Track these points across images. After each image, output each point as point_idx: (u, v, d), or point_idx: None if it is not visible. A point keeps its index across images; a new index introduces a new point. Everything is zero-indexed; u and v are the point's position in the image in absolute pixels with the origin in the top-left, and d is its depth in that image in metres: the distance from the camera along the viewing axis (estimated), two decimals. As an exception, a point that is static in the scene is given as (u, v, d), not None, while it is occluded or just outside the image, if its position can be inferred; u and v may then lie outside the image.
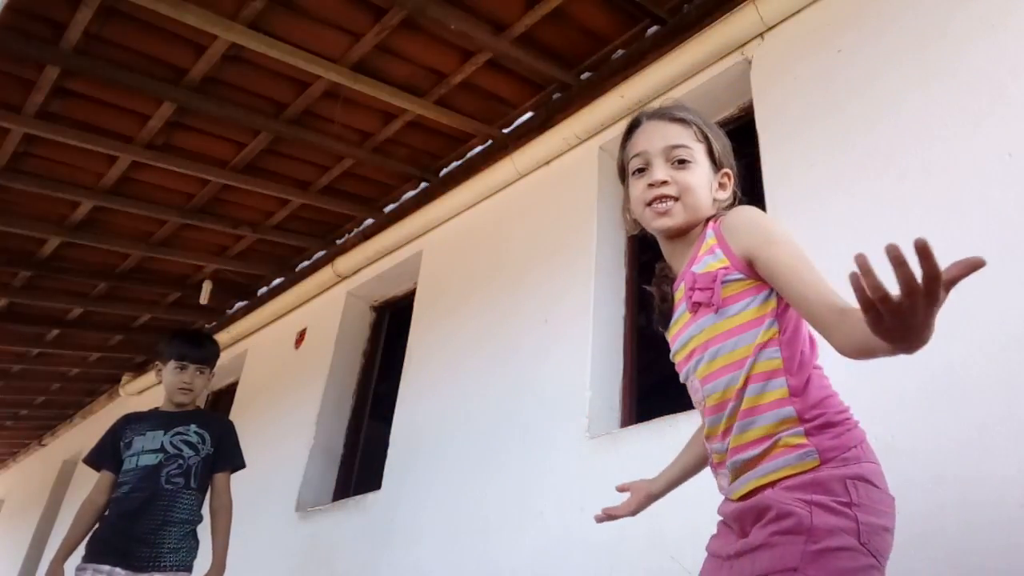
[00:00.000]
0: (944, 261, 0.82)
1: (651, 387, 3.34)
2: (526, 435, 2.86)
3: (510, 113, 3.57)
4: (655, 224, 1.29)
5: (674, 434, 2.36)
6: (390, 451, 3.50)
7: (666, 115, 1.35)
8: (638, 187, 1.30)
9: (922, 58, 2.19)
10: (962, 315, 1.82)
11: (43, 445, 8.74)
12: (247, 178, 3.95)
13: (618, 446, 2.51)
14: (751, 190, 2.55)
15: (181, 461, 2.55)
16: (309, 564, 3.60)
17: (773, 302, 1.18)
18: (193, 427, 2.63)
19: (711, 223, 1.27)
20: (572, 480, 2.59)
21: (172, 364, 2.70)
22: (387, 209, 4.33)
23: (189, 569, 2.52)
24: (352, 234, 4.55)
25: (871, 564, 1.04)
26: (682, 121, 1.32)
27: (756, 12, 2.63)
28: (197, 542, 2.58)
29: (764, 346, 1.17)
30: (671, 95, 2.96)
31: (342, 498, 3.83)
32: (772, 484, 1.12)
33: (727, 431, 1.19)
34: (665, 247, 1.35)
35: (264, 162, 3.88)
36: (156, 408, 2.77)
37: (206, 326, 5.92)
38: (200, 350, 2.78)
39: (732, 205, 1.33)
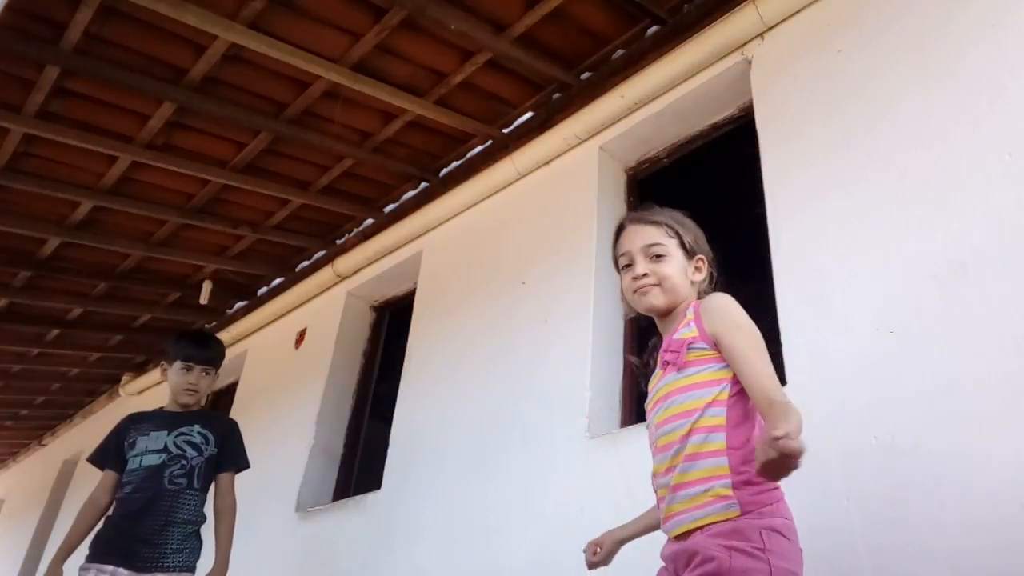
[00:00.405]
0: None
1: (651, 387, 3.33)
2: (526, 435, 2.86)
3: (510, 113, 3.57)
4: (642, 305, 1.59)
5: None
6: (390, 451, 3.50)
7: (643, 219, 1.65)
8: (626, 280, 1.63)
9: (922, 58, 2.19)
10: (962, 315, 1.82)
11: (43, 445, 8.74)
12: (247, 178, 3.95)
13: (618, 446, 2.51)
14: (751, 190, 2.56)
15: (184, 461, 2.55)
16: (309, 564, 3.60)
17: (729, 372, 1.42)
18: (197, 427, 2.63)
19: (693, 303, 1.54)
20: (572, 480, 2.59)
21: (178, 365, 2.69)
22: (387, 209, 4.33)
23: (192, 570, 2.52)
24: (352, 234, 4.55)
25: None
26: (655, 223, 1.62)
27: (756, 12, 2.63)
28: (200, 542, 2.57)
29: (711, 404, 1.40)
30: (671, 95, 2.97)
31: (342, 498, 3.83)
32: (701, 528, 1.34)
33: (670, 469, 1.42)
34: (658, 324, 1.63)
35: (264, 162, 3.88)
36: (160, 408, 2.77)
37: (206, 326, 5.92)
38: (206, 351, 2.76)
39: (711, 282, 1.60)
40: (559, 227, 3.20)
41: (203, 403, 2.87)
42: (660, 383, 1.51)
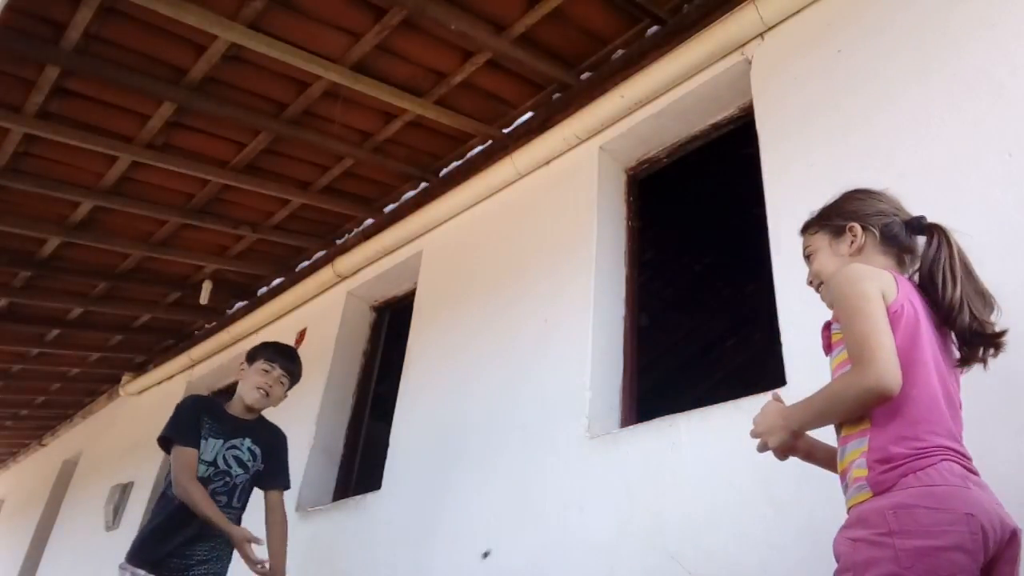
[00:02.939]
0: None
1: (651, 387, 3.34)
2: (526, 435, 2.86)
3: (510, 113, 3.57)
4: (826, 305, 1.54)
5: (674, 434, 2.37)
6: (390, 451, 3.50)
7: (801, 232, 1.65)
8: None
9: (921, 58, 2.19)
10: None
11: (43, 445, 8.74)
12: (247, 178, 3.95)
13: (618, 446, 2.51)
14: (751, 190, 2.56)
15: (228, 479, 2.53)
16: (309, 564, 3.60)
17: None
18: (248, 442, 2.59)
19: None
20: (572, 480, 2.59)
21: (260, 363, 2.65)
22: (387, 209, 4.33)
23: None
24: (352, 234, 4.55)
25: None
26: (805, 229, 1.62)
27: (756, 12, 2.64)
28: (228, 553, 2.54)
29: None
30: (671, 95, 2.97)
31: (342, 498, 3.83)
32: (847, 514, 1.28)
33: (837, 455, 1.38)
34: None
35: (264, 162, 3.88)
36: (224, 404, 2.69)
37: (206, 326, 5.92)
38: (292, 363, 2.73)
39: (886, 236, 1.49)
40: (559, 227, 3.20)
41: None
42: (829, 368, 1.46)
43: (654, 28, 3.08)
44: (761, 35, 2.69)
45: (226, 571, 2.56)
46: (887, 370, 1.22)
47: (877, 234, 1.48)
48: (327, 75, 3.18)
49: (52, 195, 3.99)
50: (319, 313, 4.65)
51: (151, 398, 6.42)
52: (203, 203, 4.21)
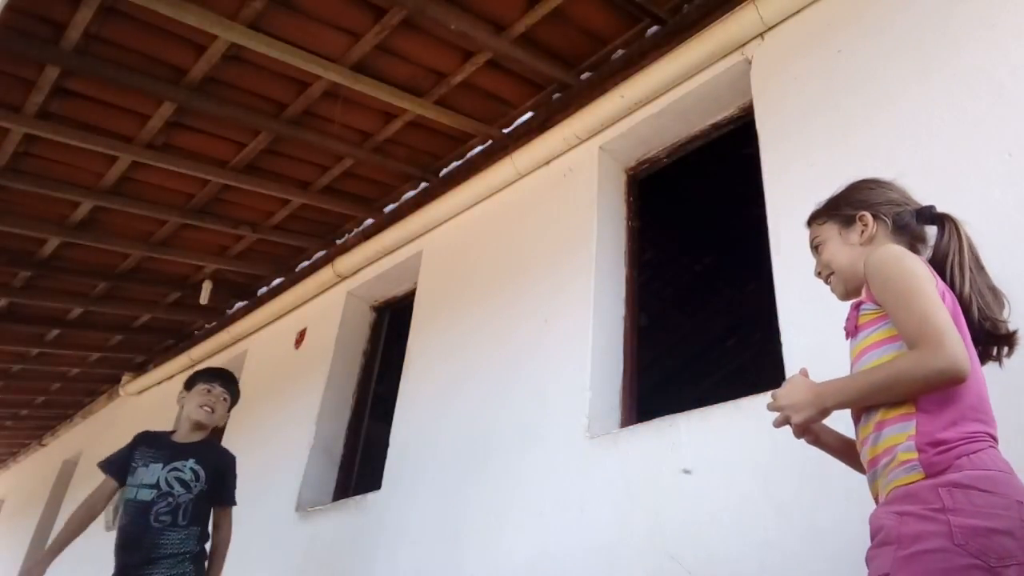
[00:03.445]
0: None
1: (651, 387, 3.34)
2: (526, 435, 2.86)
3: (510, 113, 3.57)
4: (839, 298, 1.55)
5: (674, 434, 2.37)
6: (390, 451, 3.50)
7: (808, 223, 1.62)
8: None
9: (922, 58, 2.19)
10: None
11: (43, 445, 8.74)
12: (247, 178, 3.95)
13: (618, 446, 2.51)
14: (751, 190, 2.56)
15: (171, 499, 2.60)
16: (309, 564, 3.60)
17: None
18: (191, 463, 2.66)
19: None
20: (572, 480, 2.59)
21: (200, 386, 2.77)
22: (387, 209, 4.33)
23: None
24: (352, 234, 4.55)
25: (971, 564, 1.10)
26: (813, 220, 1.60)
27: (756, 12, 2.63)
28: (190, 569, 2.61)
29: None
30: (671, 95, 2.97)
31: (342, 498, 3.83)
32: (887, 495, 1.24)
33: (865, 440, 1.33)
34: None
35: (264, 162, 3.88)
36: (171, 433, 2.81)
37: (206, 326, 5.92)
38: (229, 383, 2.85)
39: (897, 224, 1.47)
40: (559, 227, 3.20)
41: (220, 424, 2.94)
42: (849, 349, 1.43)
43: (654, 28, 3.08)
44: (761, 35, 2.69)
45: None
46: (960, 352, 1.18)
47: (889, 223, 1.46)
48: (327, 75, 3.18)
49: (52, 195, 4.00)
50: (319, 313, 4.65)
51: (151, 398, 6.42)
52: (203, 203, 4.21)
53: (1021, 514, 1.15)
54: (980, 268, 1.41)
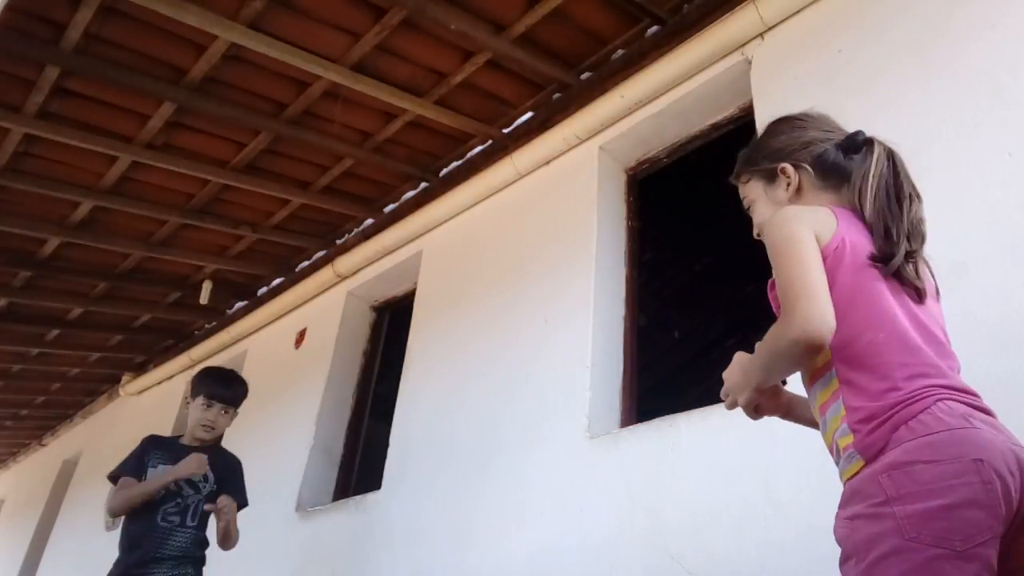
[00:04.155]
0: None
1: (651, 387, 3.34)
2: (526, 435, 2.86)
3: (510, 113, 3.57)
4: None
5: (674, 434, 2.36)
6: (390, 451, 3.50)
7: (732, 180, 1.45)
8: None
9: (922, 58, 2.19)
10: (963, 315, 1.82)
11: (43, 445, 8.74)
12: (247, 178, 3.95)
13: (618, 446, 2.51)
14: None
15: (180, 499, 2.60)
16: (309, 564, 3.60)
17: None
18: None
19: None
20: (572, 480, 2.59)
21: (200, 400, 2.76)
22: (387, 209, 4.33)
23: None
24: (352, 234, 4.55)
25: (933, 556, 0.95)
26: (736, 177, 1.44)
27: (756, 12, 2.63)
28: (192, 571, 2.61)
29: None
30: (671, 95, 2.97)
31: (342, 498, 3.83)
32: (842, 494, 1.10)
33: (823, 429, 1.19)
34: None
35: (264, 162, 3.88)
36: (178, 438, 2.85)
37: (206, 326, 5.92)
38: (228, 391, 2.82)
39: (823, 166, 1.31)
40: (559, 227, 3.20)
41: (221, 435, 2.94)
42: None
43: (654, 28, 3.08)
44: (761, 35, 2.69)
45: None
46: (811, 316, 1.05)
47: (810, 170, 1.31)
48: (327, 75, 3.18)
49: (52, 195, 3.99)
50: (319, 313, 4.65)
51: (151, 398, 6.42)
52: (203, 203, 4.21)
53: (982, 475, 0.97)
54: (899, 197, 1.23)
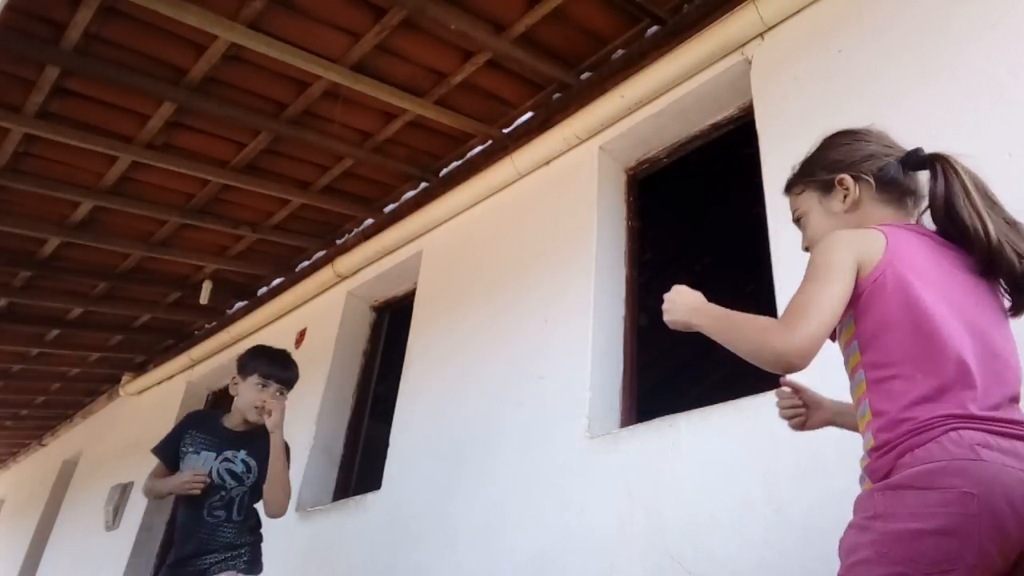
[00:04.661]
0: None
1: (651, 387, 3.34)
2: (526, 435, 2.86)
3: (510, 113, 3.57)
4: None
5: (674, 434, 2.36)
6: (390, 451, 3.50)
7: (784, 192, 1.45)
8: None
9: (922, 58, 2.19)
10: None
11: (43, 445, 8.74)
12: (247, 178, 3.95)
13: (618, 446, 2.51)
14: (751, 190, 2.56)
15: (224, 493, 2.47)
16: (309, 564, 3.60)
17: (853, 326, 1.19)
18: (242, 454, 2.51)
19: None
20: (572, 480, 2.59)
21: (254, 379, 2.53)
22: (387, 209, 4.33)
23: (235, 568, 2.45)
24: (352, 234, 4.55)
25: (897, 572, 1.00)
26: (789, 189, 1.43)
27: (756, 12, 2.63)
28: (248, 550, 2.50)
29: (855, 369, 1.19)
30: (671, 95, 2.97)
31: (342, 498, 3.83)
32: None
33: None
34: None
35: (264, 162, 3.88)
36: (220, 418, 2.63)
37: (206, 326, 5.92)
38: (286, 372, 2.61)
39: (883, 180, 1.29)
40: (559, 227, 3.20)
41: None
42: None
43: (654, 28, 3.08)
44: (761, 35, 2.69)
45: (243, 565, 2.48)
46: (802, 345, 1.07)
47: (872, 182, 1.29)
48: (327, 75, 3.18)
49: (52, 195, 4.00)
50: (319, 313, 4.65)
51: (151, 398, 6.42)
52: (203, 203, 4.21)
53: (967, 507, 0.99)
54: (993, 204, 1.21)
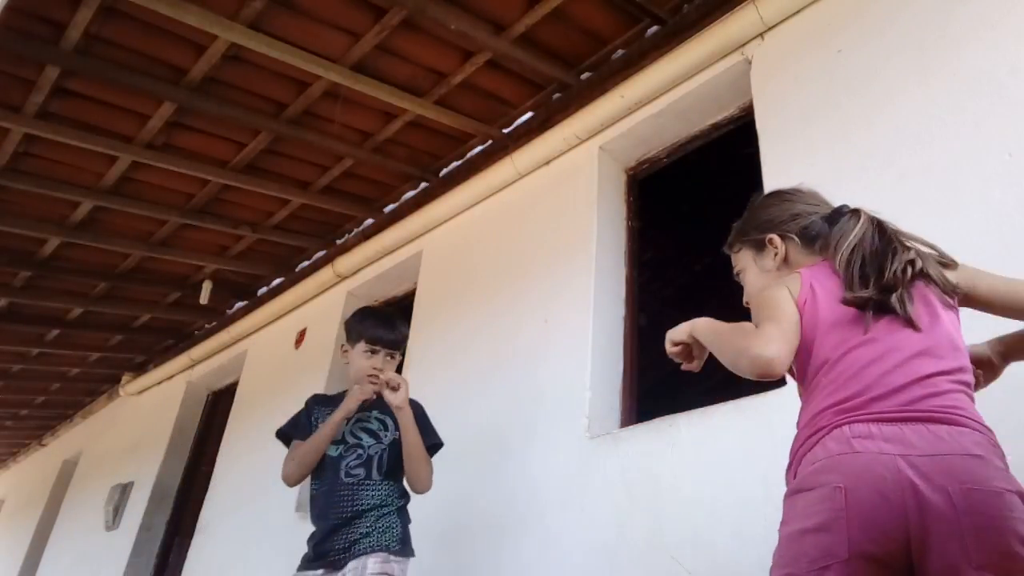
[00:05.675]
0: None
1: (651, 387, 3.33)
2: (526, 435, 2.86)
3: (510, 113, 3.57)
4: None
5: (674, 434, 2.37)
6: (390, 451, 3.49)
7: (726, 250, 1.57)
8: None
9: (922, 58, 2.19)
10: (962, 315, 1.82)
11: (43, 445, 8.75)
12: (247, 178, 3.95)
13: (618, 446, 2.51)
14: (751, 190, 2.56)
15: (360, 451, 2.32)
16: (309, 564, 3.59)
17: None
18: (375, 413, 2.39)
19: None
20: (572, 480, 2.59)
21: (361, 346, 2.38)
22: (387, 209, 4.33)
23: (387, 549, 2.22)
24: (352, 234, 4.55)
25: (784, 575, 1.08)
26: (729, 247, 1.55)
27: (756, 12, 2.63)
28: (398, 521, 2.32)
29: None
30: (671, 95, 2.97)
31: (342, 498, 3.82)
32: None
33: None
34: None
35: (264, 162, 3.88)
36: (344, 392, 2.48)
37: (206, 326, 5.92)
38: (393, 333, 2.43)
39: (809, 238, 1.41)
40: (559, 227, 3.20)
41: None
42: None
43: (654, 28, 3.08)
44: (761, 35, 2.69)
45: (394, 542, 2.26)
46: (775, 356, 1.16)
47: (797, 240, 1.41)
48: (327, 75, 3.18)
49: (52, 195, 4.00)
50: (319, 313, 4.65)
51: (151, 398, 6.42)
52: (203, 203, 4.21)
53: (835, 501, 1.04)
54: (881, 252, 1.28)
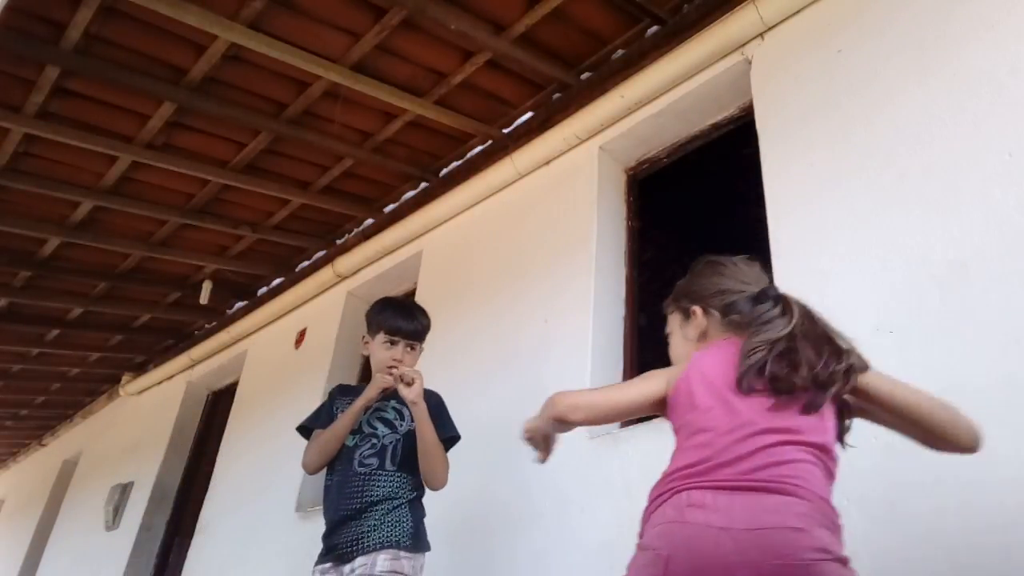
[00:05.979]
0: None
1: (651, 387, 3.31)
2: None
3: (510, 113, 3.57)
4: None
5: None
6: (390, 451, 3.49)
7: (664, 309, 1.65)
8: None
9: (922, 58, 2.19)
10: (962, 315, 1.82)
11: (43, 445, 8.75)
12: (247, 178, 3.95)
13: (618, 446, 2.51)
14: (751, 190, 2.56)
15: (375, 440, 2.29)
16: (309, 564, 3.58)
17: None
18: (392, 403, 2.37)
19: None
20: (572, 480, 2.59)
21: (381, 338, 2.35)
22: (387, 209, 4.33)
23: (397, 545, 2.18)
24: (352, 234, 4.55)
25: None
26: (665, 307, 1.63)
27: (756, 12, 2.63)
28: (408, 516, 2.27)
29: None
30: (671, 95, 2.97)
31: (342, 498, 3.82)
32: None
33: None
34: None
35: (264, 162, 3.88)
36: (365, 385, 2.44)
37: (206, 326, 5.92)
38: (412, 323, 2.39)
39: (728, 312, 1.45)
40: (559, 227, 3.20)
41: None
42: None
43: (654, 28, 3.08)
44: (761, 35, 2.69)
45: (403, 536, 2.22)
46: (566, 414, 1.50)
47: (718, 316, 1.45)
48: (327, 75, 3.18)
49: (52, 195, 4.00)
50: (319, 313, 4.65)
51: (151, 398, 6.42)
52: (203, 203, 4.22)
53: (658, 569, 1.15)
54: (818, 341, 1.31)
